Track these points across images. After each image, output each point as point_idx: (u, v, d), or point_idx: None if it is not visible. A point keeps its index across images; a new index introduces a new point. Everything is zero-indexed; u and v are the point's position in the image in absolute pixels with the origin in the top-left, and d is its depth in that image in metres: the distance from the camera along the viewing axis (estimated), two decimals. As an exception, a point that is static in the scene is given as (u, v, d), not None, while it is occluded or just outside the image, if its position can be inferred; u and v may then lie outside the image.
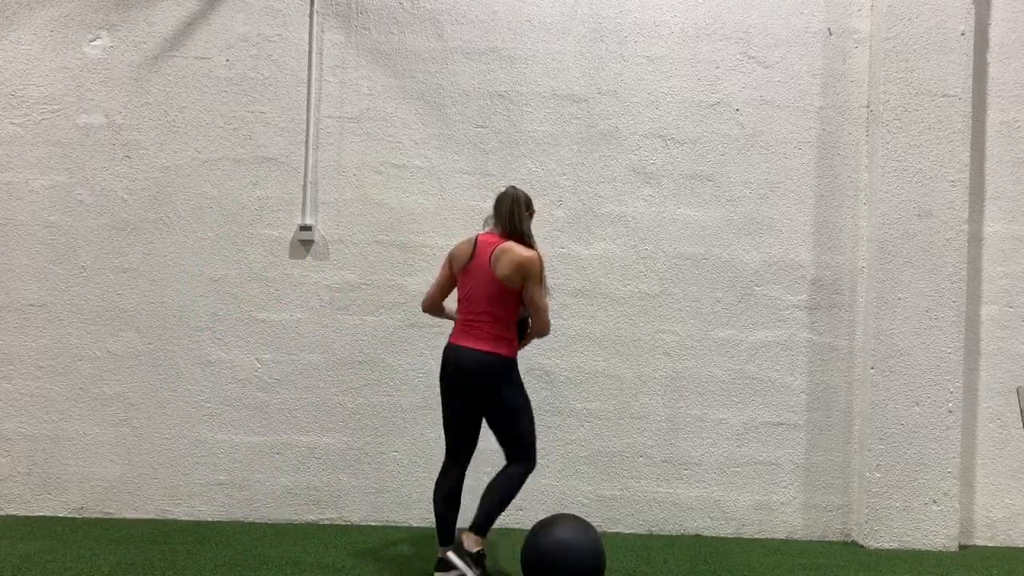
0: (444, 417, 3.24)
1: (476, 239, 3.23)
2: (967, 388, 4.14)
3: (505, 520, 3.90)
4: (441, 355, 3.27)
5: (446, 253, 4.12)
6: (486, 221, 3.29)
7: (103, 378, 4.11)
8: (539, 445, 3.91)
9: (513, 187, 3.25)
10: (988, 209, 4.24)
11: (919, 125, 4.07)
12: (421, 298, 4.15)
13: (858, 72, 4.24)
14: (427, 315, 3.53)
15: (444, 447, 3.30)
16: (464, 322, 3.18)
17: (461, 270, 3.23)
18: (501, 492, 3.17)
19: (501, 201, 3.21)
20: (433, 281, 3.44)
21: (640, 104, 4.23)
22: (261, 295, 4.16)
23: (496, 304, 3.14)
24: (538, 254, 3.15)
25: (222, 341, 4.14)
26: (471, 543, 3.10)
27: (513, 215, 3.17)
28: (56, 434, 4.10)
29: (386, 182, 4.20)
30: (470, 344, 3.14)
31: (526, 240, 3.18)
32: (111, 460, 4.10)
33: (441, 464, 3.29)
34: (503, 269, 3.10)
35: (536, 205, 4.18)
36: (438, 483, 3.23)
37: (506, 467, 3.23)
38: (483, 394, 3.13)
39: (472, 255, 3.19)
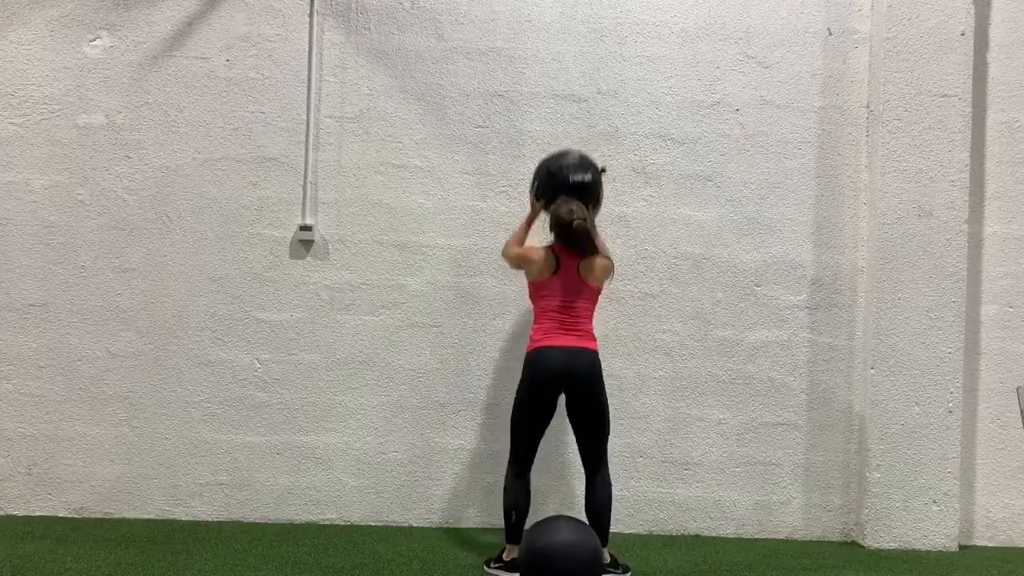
0: (529, 422, 3.35)
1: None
2: (967, 388, 4.13)
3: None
4: (533, 358, 3.35)
5: (452, 253, 4.14)
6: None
7: (103, 378, 4.11)
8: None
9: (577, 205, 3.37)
10: (988, 209, 4.24)
11: (919, 125, 4.07)
12: (421, 298, 4.16)
13: (858, 72, 4.24)
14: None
15: (509, 453, 3.42)
16: (561, 323, 3.32)
17: (548, 275, 3.38)
18: (610, 501, 3.39)
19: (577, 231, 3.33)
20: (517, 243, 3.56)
21: (640, 104, 4.23)
22: (261, 295, 4.16)
23: (591, 301, 3.40)
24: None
25: (222, 341, 4.14)
26: (605, 556, 3.28)
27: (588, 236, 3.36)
28: (56, 434, 4.10)
29: (386, 182, 4.20)
30: (580, 344, 3.30)
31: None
32: (111, 460, 4.10)
33: (505, 471, 3.44)
34: (597, 278, 3.38)
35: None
36: (513, 487, 3.37)
37: (603, 476, 3.39)
38: (596, 393, 3.32)
39: (557, 266, 3.36)
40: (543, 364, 3.31)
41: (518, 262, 3.49)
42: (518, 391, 3.41)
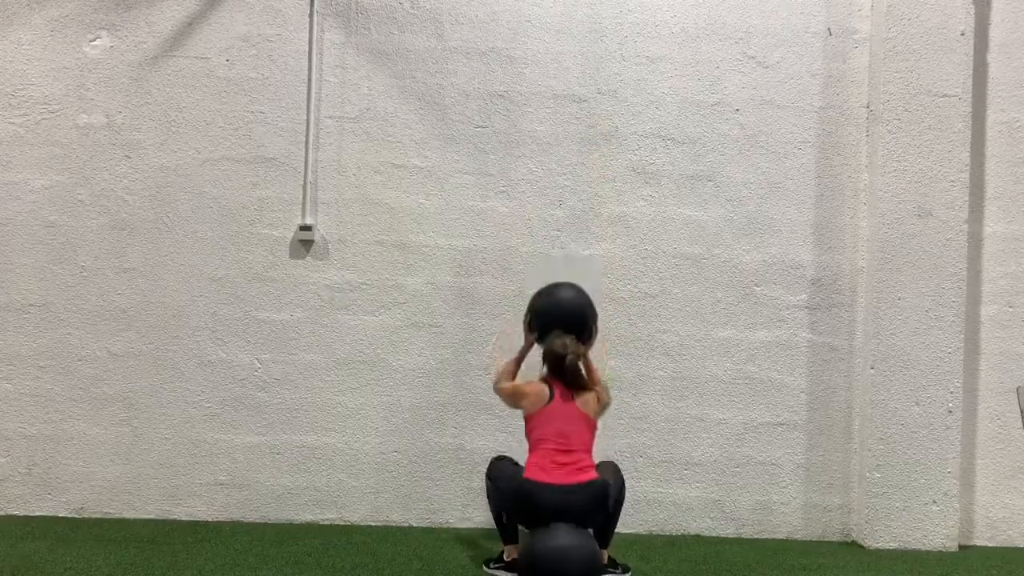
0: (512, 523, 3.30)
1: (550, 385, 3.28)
2: (967, 388, 4.13)
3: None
4: (526, 488, 3.13)
5: (452, 253, 4.15)
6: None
7: (103, 378, 4.11)
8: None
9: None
10: (988, 209, 4.24)
11: (919, 125, 4.07)
12: (421, 298, 4.16)
13: (858, 72, 4.24)
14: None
15: (489, 479, 3.39)
16: (556, 458, 3.16)
17: (542, 407, 3.24)
18: (620, 504, 3.30)
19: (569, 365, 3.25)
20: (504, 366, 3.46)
21: (640, 104, 4.23)
22: (261, 295, 4.16)
23: (588, 433, 3.25)
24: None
25: (222, 341, 4.14)
26: (604, 557, 3.26)
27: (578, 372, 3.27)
28: (56, 434, 4.10)
29: (386, 182, 4.20)
30: (576, 479, 3.12)
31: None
32: (111, 460, 4.10)
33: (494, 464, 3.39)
34: (593, 410, 3.26)
35: (536, 205, 4.21)
36: (499, 491, 3.29)
37: (617, 479, 3.31)
38: (597, 517, 3.20)
39: (551, 397, 3.24)
40: (535, 500, 3.09)
41: (511, 398, 3.32)
42: (502, 500, 3.27)
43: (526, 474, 3.14)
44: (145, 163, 4.16)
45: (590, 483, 3.12)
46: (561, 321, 3.32)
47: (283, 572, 3.27)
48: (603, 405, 3.30)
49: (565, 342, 3.24)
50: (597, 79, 4.21)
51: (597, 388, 3.29)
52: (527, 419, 3.27)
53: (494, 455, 3.56)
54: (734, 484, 4.17)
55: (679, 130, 4.23)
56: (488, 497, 3.37)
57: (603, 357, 3.57)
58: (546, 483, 3.09)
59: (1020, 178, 4.25)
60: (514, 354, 3.45)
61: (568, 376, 3.23)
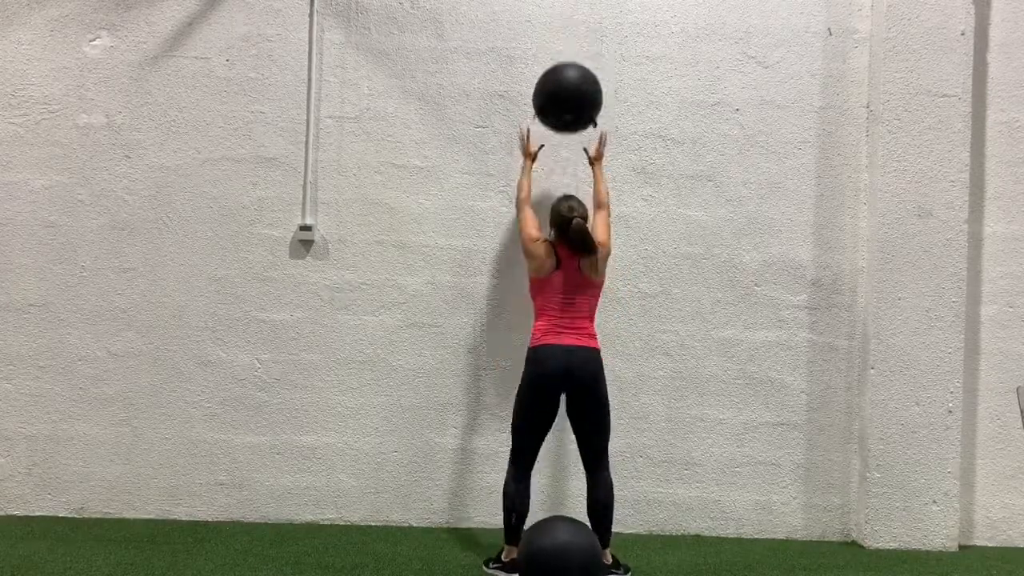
0: (530, 421, 3.33)
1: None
2: (967, 388, 4.13)
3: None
4: (532, 356, 3.36)
5: (452, 253, 4.14)
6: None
7: (103, 378, 4.11)
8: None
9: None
10: (988, 209, 4.24)
11: (919, 125, 4.07)
12: (421, 298, 4.16)
13: (858, 72, 4.24)
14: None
15: (510, 454, 3.42)
16: (561, 321, 3.32)
17: (548, 273, 3.37)
18: (612, 501, 3.39)
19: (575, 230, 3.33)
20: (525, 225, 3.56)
21: (640, 104, 4.23)
22: (261, 295, 4.16)
23: (593, 298, 3.40)
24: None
25: (222, 341, 4.14)
26: (607, 557, 3.32)
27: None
28: (56, 434, 4.10)
29: (386, 182, 4.20)
30: (580, 343, 3.30)
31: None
32: (111, 460, 4.10)
33: (506, 472, 3.42)
34: (599, 271, 3.39)
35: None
36: (513, 489, 3.34)
37: (605, 475, 3.38)
38: (597, 391, 3.31)
39: (557, 264, 3.36)
40: (542, 363, 3.31)
41: (523, 240, 3.48)
42: (518, 391, 3.41)
43: (533, 343, 3.36)
44: (145, 163, 4.16)
45: (592, 348, 3.34)
46: (565, 104, 3.45)
47: (283, 572, 3.27)
48: (604, 259, 3.41)
49: (571, 204, 3.32)
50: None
51: (601, 245, 3.38)
52: (532, 281, 3.43)
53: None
54: (734, 484, 4.17)
55: (679, 130, 4.23)
56: (504, 493, 3.40)
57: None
58: (554, 345, 3.30)
59: (1020, 178, 4.25)
60: (524, 164, 3.69)
61: (574, 239, 3.26)
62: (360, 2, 4.22)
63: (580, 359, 3.29)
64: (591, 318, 3.40)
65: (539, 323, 3.39)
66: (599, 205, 3.63)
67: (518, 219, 3.64)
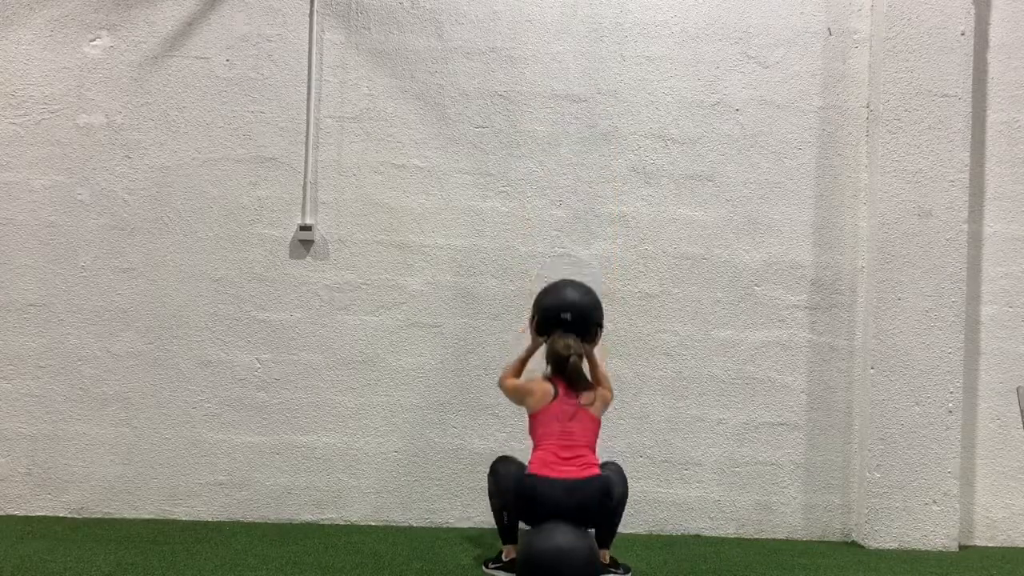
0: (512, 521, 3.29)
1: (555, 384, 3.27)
2: (967, 388, 4.13)
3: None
4: (529, 484, 3.12)
5: (452, 253, 4.15)
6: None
7: (103, 378, 4.11)
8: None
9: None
10: (988, 209, 4.24)
11: (919, 125, 4.07)
12: (421, 298, 4.16)
13: (858, 72, 4.24)
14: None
15: (491, 475, 3.36)
16: (560, 454, 3.16)
17: (546, 406, 3.24)
18: (622, 504, 3.31)
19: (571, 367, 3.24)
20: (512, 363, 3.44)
21: (640, 104, 4.23)
22: (261, 295, 4.16)
23: (592, 431, 3.26)
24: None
25: (222, 341, 4.14)
26: (606, 557, 3.28)
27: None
28: (56, 434, 4.10)
29: (386, 182, 4.20)
30: (582, 474, 3.12)
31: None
32: (111, 460, 4.10)
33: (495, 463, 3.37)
34: (596, 408, 3.26)
35: (536, 205, 4.21)
36: (502, 490, 3.28)
37: (619, 478, 3.30)
38: (605, 514, 3.21)
39: (555, 395, 3.24)
40: (537, 495, 3.08)
41: (516, 394, 3.32)
42: (504, 503, 3.25)
43: (529, 470, 3.14)
44: (145, 163, 4.16)
45: (593, 478, 3.11)
46: (565, 321, 3.30)
47: (283, 572, 3.27)
48: (604, 401, 3.29)
49: (568, 343, 3.24)
50: (597, 79, 4.21)
51: (601, 384, 3.30)
52: (531, 417, 3.27)
53: (497, 455, 3.56)
54: (734, 484, 4.17)
55: (679, 130, 4.23)
56: (490, 495, 3.36)
57: (604, 356, 3.55)
58: (549, 477, 3.08)
59: (1020, 178, 4.25)
60: (520, 352, 3.44)
61: (570, 376, 3.24)
62: (360, 2, 4.22)
63: (584, 492, 3.08)
64: (592, 451, 3.20)
65: (536, 455, 3.17)
66: (598, 383, 3.36)
67: (502, 388, 3.39)
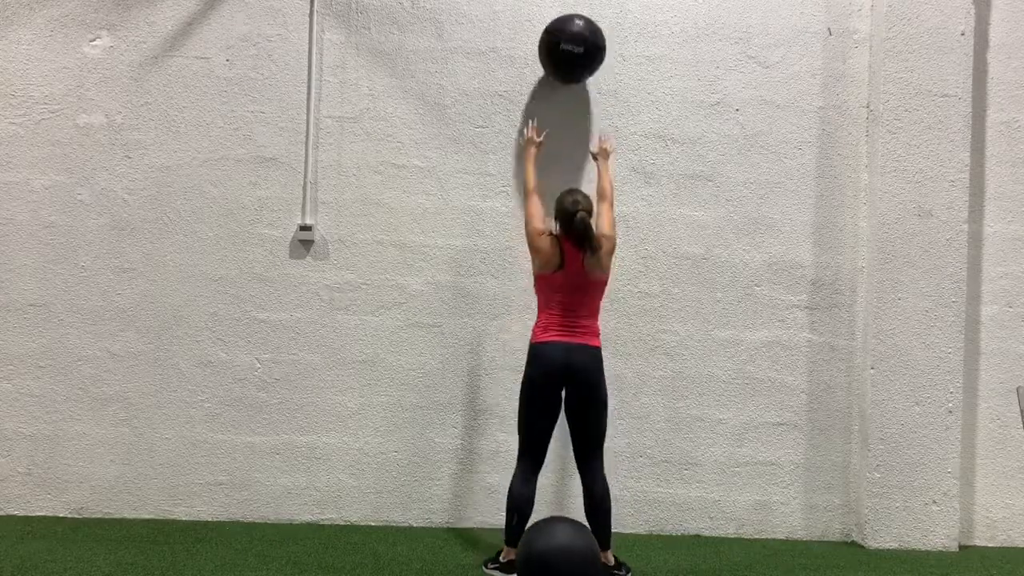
0: (532, 419, 3.33)
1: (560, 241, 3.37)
2: (967, 388, 4.14)
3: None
4: (532, 353, 3.36)
5: (452, 253, 4.14)
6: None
7: (103, 378, 4.11)
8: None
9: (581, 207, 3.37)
10: (988, 209, 4.24)
11: (919, 125, 4.07)
12: (421, 298, 4.16)
13: (858, 72, 4.24)
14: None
15: (517, 452, 3.39)
16: (562, 320, 3.32)
17: (552, 270, 3.35)
18: (609, 503, 3.38)
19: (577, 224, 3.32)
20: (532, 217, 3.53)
21: (640, 104, 4.23)
22: (261, 295, 4.16)
23: (597, 296, 3.40)
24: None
25: (222, 341, 4.14)
26: (609, 558, 3.33)
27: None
28: (56, 434, 4.10)
29: (386, 182, 4.20)
30: (580, 341, 3.30)
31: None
32: (111, 460, 4.10)
33: (513, 472, 3.40)
34: (604, 267, 3.37)
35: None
36: (518, 490, 3.33)
37: (601, 476, 3.36)
38: (594, 390, 3.31)
39: (561, 263, 3.33)
40: (541, 360, 3.30)
41: (530, 244, 3.43)
42: (521, 389, 3.40)
43: (533, 340, 3.36)
44: (145, 163, 4.16)
45: (592, 347, 3.32)
46: (575, 55, 3.83)
47: (283, 572, 3.27)
48: (609, 253, 3.39)
49: (576, 199, 3.34)
50: (597, 79, 4.21)
51: (605, 228, 3.40)
52: (537, 277, 3.42)
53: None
54: (734, 484, 4.17)
55: (679, 130, 4.23)
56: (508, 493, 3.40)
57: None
58: (552, 341, 3.30)
59: (1020, 178, 4.25)
60: (527, 147, 3.75)
61: (578, 232, 3.27)
62: (360, 2, 4.22)
63: (580, 357, 3.28)
64: (594, 315, 3.38)
65: (540, 319, 3.38)
66: (602, 197, 3.60)
67: (524, 208, 3.64)
